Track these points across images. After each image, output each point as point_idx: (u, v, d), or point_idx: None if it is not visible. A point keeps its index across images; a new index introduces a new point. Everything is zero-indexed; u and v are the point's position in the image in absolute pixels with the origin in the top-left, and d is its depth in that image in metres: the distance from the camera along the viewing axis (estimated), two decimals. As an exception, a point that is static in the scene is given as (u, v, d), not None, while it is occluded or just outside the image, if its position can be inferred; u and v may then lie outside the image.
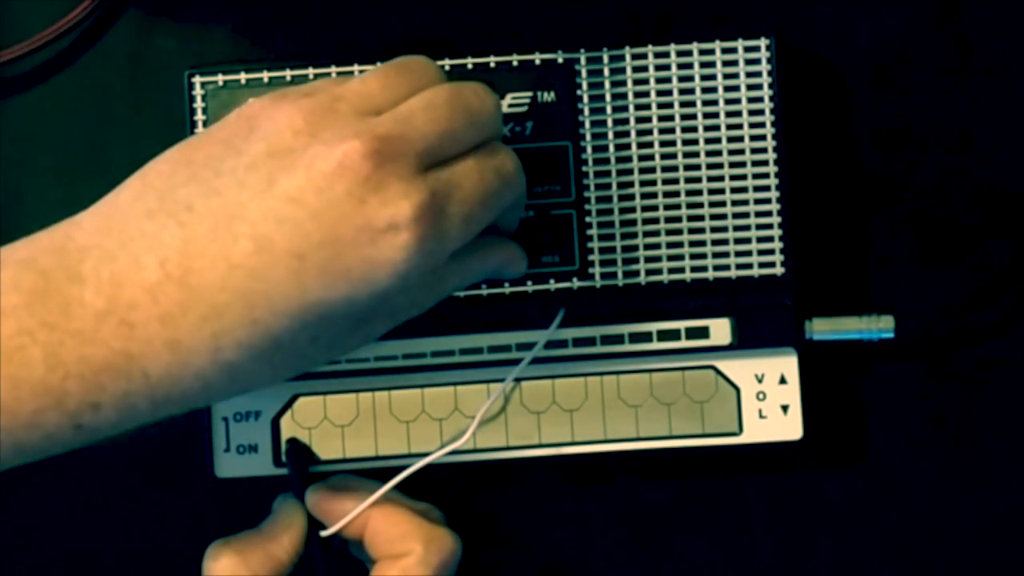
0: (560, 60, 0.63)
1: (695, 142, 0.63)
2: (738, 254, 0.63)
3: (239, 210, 0.52)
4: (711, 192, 0.63)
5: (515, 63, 0.63)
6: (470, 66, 0.63)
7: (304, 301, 0.53)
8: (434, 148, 0.54)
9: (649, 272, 0.63)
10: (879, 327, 0.63)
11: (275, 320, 0.52)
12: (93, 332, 0.51)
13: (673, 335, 0.64)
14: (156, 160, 0.55)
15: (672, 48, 0.63)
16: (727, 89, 0.63)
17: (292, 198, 0.52)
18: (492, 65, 0.63)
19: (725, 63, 0.63)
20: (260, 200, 0.52)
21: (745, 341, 0.64)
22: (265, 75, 0.63)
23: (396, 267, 0.53)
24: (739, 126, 0.63)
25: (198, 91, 0.63)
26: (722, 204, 0.63)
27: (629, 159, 0.63)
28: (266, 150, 0.53)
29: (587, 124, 0.63)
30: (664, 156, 0.63)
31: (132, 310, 0.52)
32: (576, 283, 0.63)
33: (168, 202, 0.53)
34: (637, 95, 0.63)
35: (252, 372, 0.54)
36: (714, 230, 0.63)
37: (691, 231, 0.63)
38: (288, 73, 0.63)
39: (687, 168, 0.63)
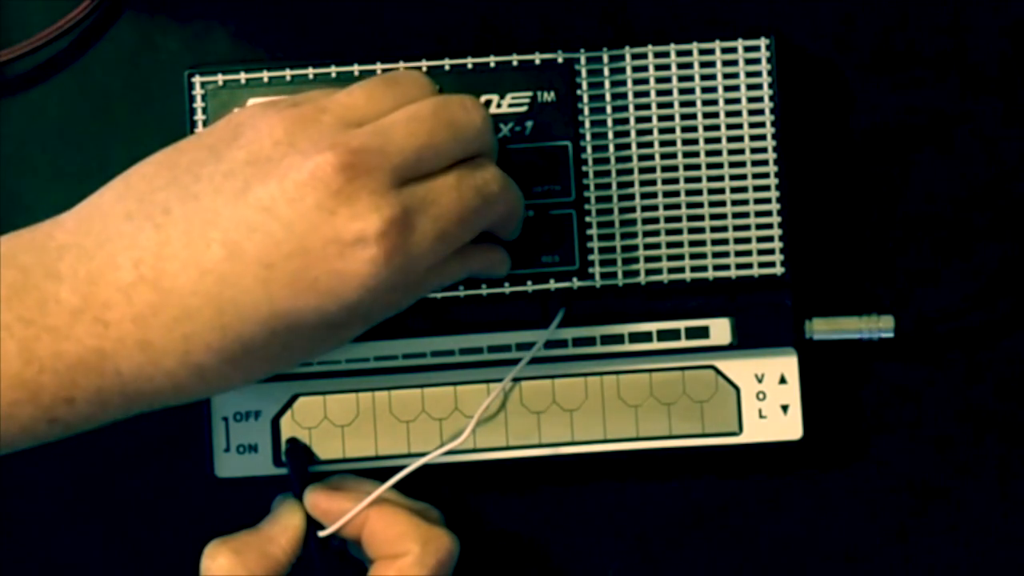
0: (560, 60, 0.63)
1: (695, 142, 0.63)
2: (738, 254, 0.63)
3: (213, 216, 0.53)
4: (711, 192, 0.63)
5: (515, 63, 0.63)
6: (470, 66, 0.63)
7: (273, 310, 0.53)
8: (412, 162, 0.54)
9: (649, 272, 0.63)
10: (879, 327, 0.63)
11: (244, 326, 0.53)
12: (68, 328, 0.52)
13: (673, 335, 0.64)
14: (142, 162, 0.56)
15: (672, 48, 0.63)
16: (727, 89, 0.63)
17: (264, 207, 0.53)
18: (492, 65, 0.63)
19: (725, 63, 0.63)
20: (233, 207, 0.53)
21: (745, 341, 0.64)
22: (265, 75, 0.63)
23: (364, 281, 0.53)
24: (739, 126, 0.63)
25: (198, 91, 0.63)
26: (722, 204, 0.63)
27: (629, 159, 0.63)
28: (245, 158, 0.54)
29: (587, 124, 0.63)
30: (664, 156, 0.63)
31: (106, 309, 0.52)
32: (576, 283, 0.63)
33: (147, 204, 0.54)
34: (637, 95, 0.63)
35: (223, 374, 0.54)
36: (714, 230, 0.63)
37: (691, 231, 0.63)
38: (288, 73, 0.63)
39: (687, 168, 0.63)
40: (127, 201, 0.54)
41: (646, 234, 0.63)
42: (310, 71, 0.63)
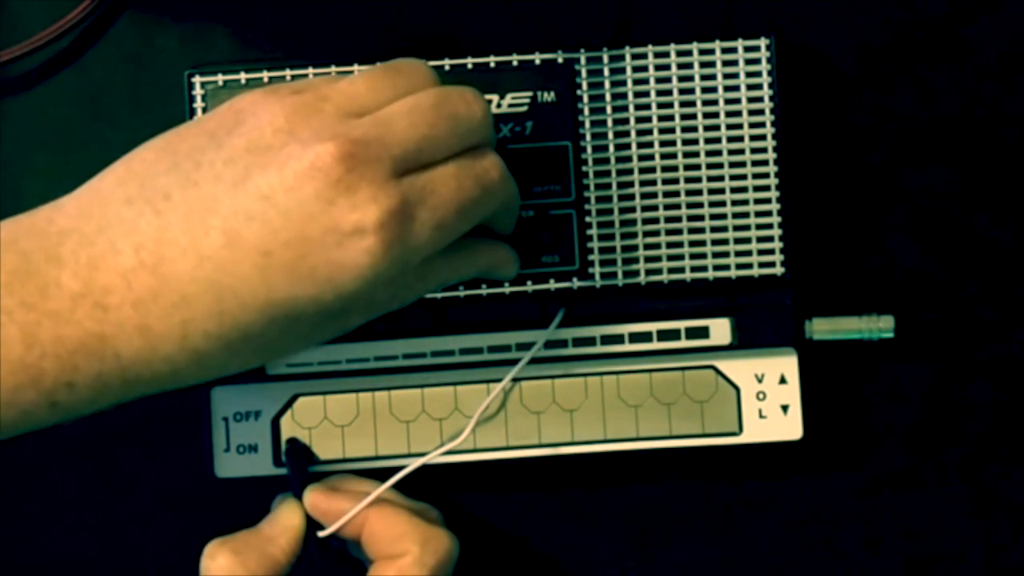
0: (560, 60, 0.63)
1: (695, 142, 0.63)
2: (738, 254, 0.63)
3: (213, 203, 0.53)
4: (711, 192, 0.63)
5: (515, 63, 0.63)
6: (470, 66, 0.63)
7: (271, 298, 0.53)
8: (412, 153, 0.55)
9: (649, 272, 0.63)
10: (879, 327, 0.63)
11: (243, 314, 0.53)
12: (69, 313, 0.52)
13: (673, 335, 0.64)
14: (143, 147, 0.56)
15: (672, 48, 0.63)
16: (727, 89, 0.63)
17: (264, 195, 0.53)
18: (492, 65, 0.63)
19: (725, 63, 0.63)
20: (233, 195, 0.53)
21: (745, 341, 0.64)
22: (265, 75, 0.63)
23: (361, 271, 0.53)
24: (739, 126, 0.63)
25: (198, 91, 0.63)
26: (722, 204, 0.63)
27: (629, 159, 0.63)
28: (245, 145, 0.54)
29: (587, 124, 0.63)
30: (664, 156, 0.63)
31: (107, 294, 0.53)
32: (576, 283, 0.63)
33: (148, 190, 0.54)
34: (637, 95, 0.63)
35: (221, 361, 0.54)
36: (714, 230, 0.63)
37: (691, 231, 0.63)
38: (288, 73, 0.63)
39: (687, 168, 0.63)
40: (128, 186, 0.54)
41: (646, 234, 0.63)
42: (310, 71, 0.63)
